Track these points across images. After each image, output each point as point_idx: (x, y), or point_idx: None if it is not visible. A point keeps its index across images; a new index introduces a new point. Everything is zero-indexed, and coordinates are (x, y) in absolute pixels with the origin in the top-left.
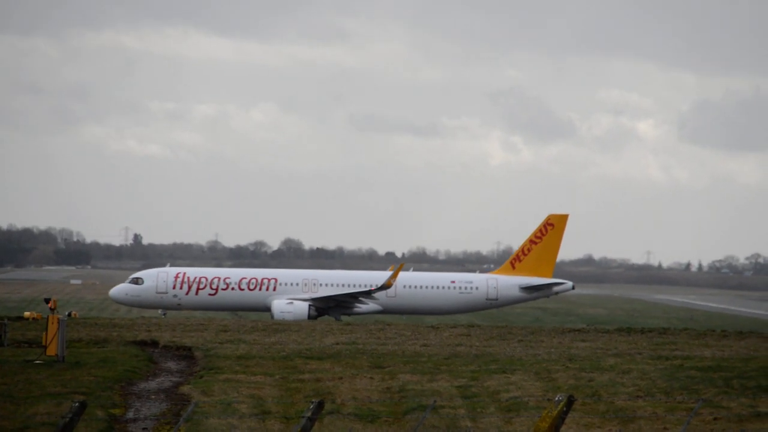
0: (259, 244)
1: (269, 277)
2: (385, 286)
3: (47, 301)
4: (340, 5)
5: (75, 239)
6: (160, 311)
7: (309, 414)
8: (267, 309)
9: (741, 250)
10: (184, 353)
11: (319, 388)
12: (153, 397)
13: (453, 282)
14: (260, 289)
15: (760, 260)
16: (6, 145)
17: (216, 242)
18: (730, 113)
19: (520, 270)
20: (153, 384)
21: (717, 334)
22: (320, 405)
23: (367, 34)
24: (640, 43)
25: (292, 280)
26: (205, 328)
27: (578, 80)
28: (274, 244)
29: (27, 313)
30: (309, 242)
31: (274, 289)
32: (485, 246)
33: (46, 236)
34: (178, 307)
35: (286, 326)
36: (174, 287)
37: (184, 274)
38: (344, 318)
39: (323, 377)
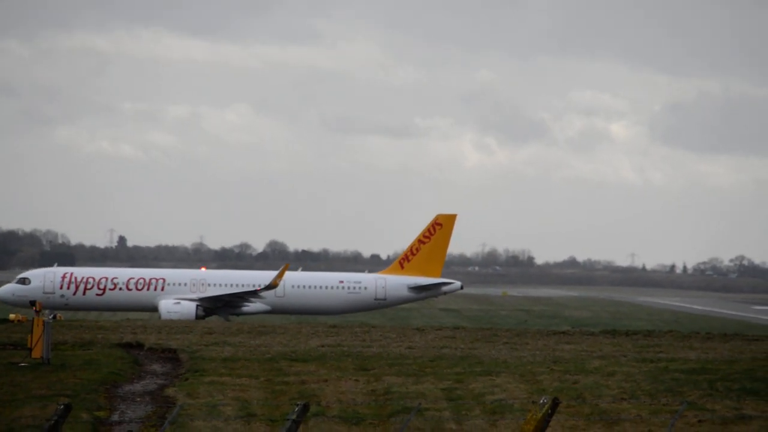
0: (244, 246)
1: (157, 277)
2: (272, 286)
3: (32, 303)
4: (312, 6)
5: (60, 241)
6: (46, 312)
7: (294, 416)
8: (155, 309)
9: (725, 253)
10: (170, 355)
11: (304, 391)
12: (138, 399)
13: (341, 282)
14: (148, 289)
15: (745, 262)
16: None
17: (201, 244)
18: (702, 115)
19: (409, 270)
20: (138, 386)
21: (702, 336)
22: (305, 407)
23: (339, 35)
24: (612, 44)
25: (179, 280)
26: (191, 330)
27: (550, 81)
28: (259, 246)
29: (12, 316)
30: (294, 244)
31: (162, 289)
32: (469, 248)
33: (31, 238)
34: (66, 307)
35: (271, 328)
36: (61, 287)
37: (72, 274)
38: (233, 318)
39: (308, 379)
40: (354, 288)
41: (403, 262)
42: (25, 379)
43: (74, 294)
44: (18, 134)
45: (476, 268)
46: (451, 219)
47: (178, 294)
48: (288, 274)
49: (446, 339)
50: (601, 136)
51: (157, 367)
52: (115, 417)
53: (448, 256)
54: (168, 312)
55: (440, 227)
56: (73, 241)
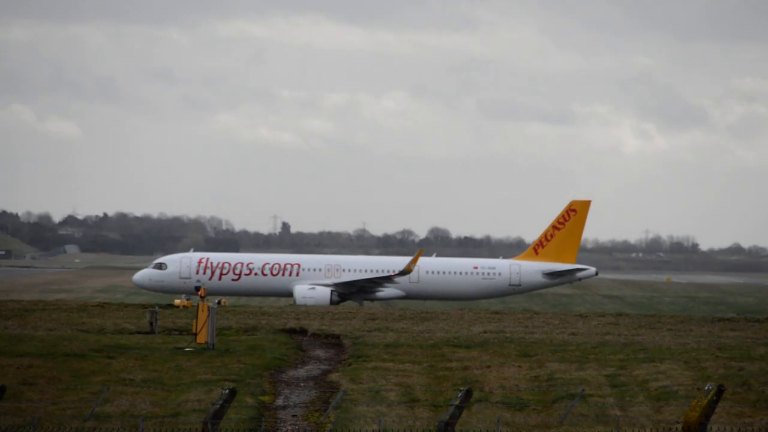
0: (407, 233)
1: (292, 263)
2: (405, 272)
3: (197, 289)
4: None
5: (224, 228)
6: (183, 296)
7: (457, 402)
8: (290, 294)
9: None
10: (333, 341)
11: (467, 377)
12: (302, 384)
13: (476, 268)
14: (283, 275)
15: None
16: (142, 133)
17: (363, 231)
18: None
19: (543, 256)
20: (302, 371)
21: None
22: (468, 393)
23: (496, 21)
24: None
25: (314, 266)
26: (353, 316)
27: (709, 67)
28: (421, 232)
29: (177, 301)
30: (456, 231)
31: (297, 275)
32: (633, 234)
33: (195, 225)
34: None
35: (434, 314)
36: (197, 272)
37: (207, 259)
38: (366, 303)
39: (471, 365)
40: (488, 274)
41: (538, 248)
42: (190, 364)
43: (210, 279)
44: (180, 121)
45: (640, 255)
46: (585, 205)
47: (313, 279)
48: (423, 259)
49: (609, 325)
50: (763, 122)
51: (320, 352)
52: (280, 401)
53: (610, 242)
54: (303, 297)
55: (574, 213)
56: (237, 228)
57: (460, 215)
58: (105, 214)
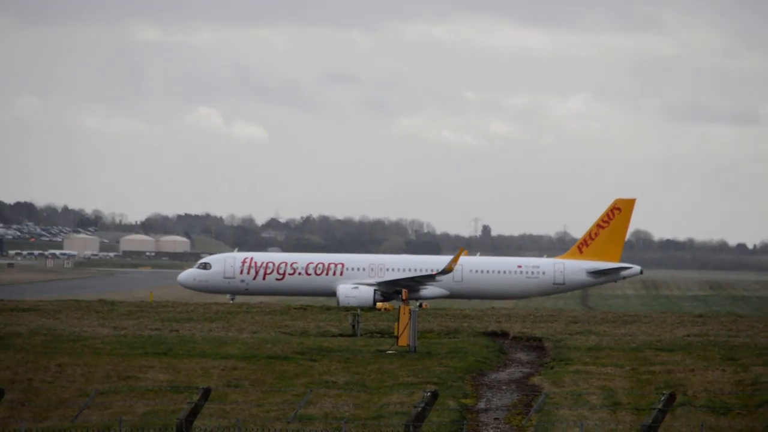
0: None
1: (336, 262)
2: (446, 271)
3: (398, 292)
4: None
5: (425, 230)
6: (228, 296)
7: (660, 405)
8: (333, 294)
9: None
10: (534, 344)
11: (670, 380)
12: (504, 387)
13: (519, 267)
14: (327, 274)
15: None
16: (328, 136)
17: (564, 233)
18: None
19: (588, 254)
20: (503, 374)
21: None
22: (671, 397)
23: (681, 21)
24: None
25: (358, 265)
26: (555, 319)
27: None
28: None
29: (379, 305)
30: (659, 233)
31: (341, 274)
32: None
33: (397, 227)
34: (246, 292)
35: (635, 317)
36: (241, 272)
37: (251, 259)
38: (411, 302)
39: (674, 369)
40: (532, 273)
41: (582, 246)
42: (392, 367)
43: (254, 279)
44: (364, 123)
45: None
46: (629, 203)
47: (357, 279)
48: (467, 259)
49: None
50: None
51: (522, 355)
52: (482, 404)
53: None
54: (346, 297)
55: (619, 212)
56: (438, 231)
57: (660, 218)
58: (309, 216)
